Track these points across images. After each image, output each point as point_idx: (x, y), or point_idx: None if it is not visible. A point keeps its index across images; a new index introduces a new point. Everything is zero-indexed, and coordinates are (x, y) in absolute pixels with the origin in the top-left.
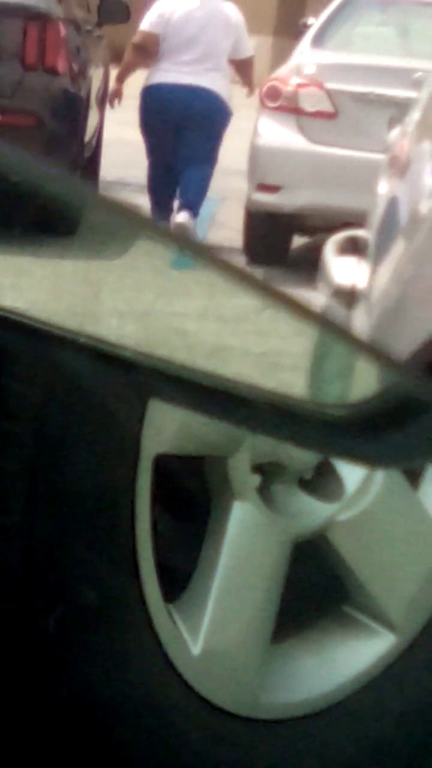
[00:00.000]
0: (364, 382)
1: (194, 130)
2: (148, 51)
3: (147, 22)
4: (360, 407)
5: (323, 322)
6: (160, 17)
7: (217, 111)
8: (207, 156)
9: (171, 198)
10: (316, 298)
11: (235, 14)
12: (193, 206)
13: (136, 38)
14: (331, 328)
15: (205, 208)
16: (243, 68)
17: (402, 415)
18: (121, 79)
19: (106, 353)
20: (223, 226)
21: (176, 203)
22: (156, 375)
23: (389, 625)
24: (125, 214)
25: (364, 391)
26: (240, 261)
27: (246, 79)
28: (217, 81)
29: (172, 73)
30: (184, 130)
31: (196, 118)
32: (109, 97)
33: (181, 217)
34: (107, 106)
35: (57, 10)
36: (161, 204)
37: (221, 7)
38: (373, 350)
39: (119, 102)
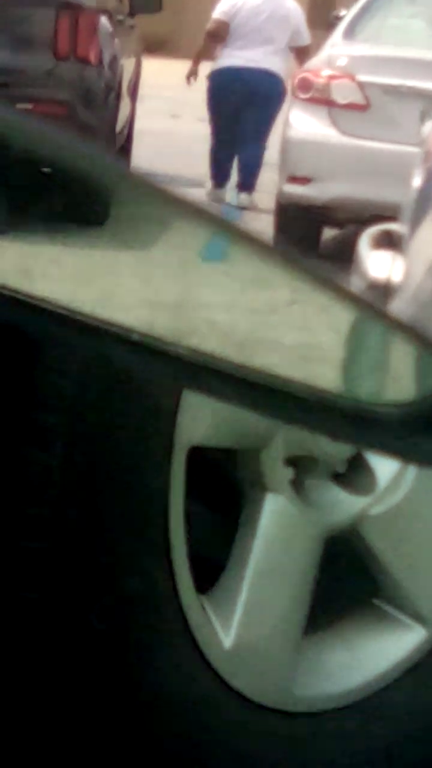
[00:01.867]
0: (415, 380)
1: (255, 108)
2: (220, 36)
3: (219, 12)
4: (414, 406)
5: (373, 309)
6: (231, 8)
7: (276, 91)
8: (264, 132)
9: (229, 166)
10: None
11: (294, 8)
12: (249, 184)
13: (210, 25)
14: (378, 315)
15: (235, 199)
16: (301, 55)
17: None
18: (196, 61)
19: (139, 343)
20: (253, 218)
21: (235, 178)
22: (190, 366)
23: (420, 619)
24: (160, 194)
25: (417, 391)
26: None
27: (302, 64)
28: (277, 64)
29: (238, 57)
30: (246, 109)
31: (257, 97)
32: (186, 76)
33: (242, 197)
34: (138, 97)
35: (90, 0)
36: (221, 171)
37: (283, 1)
38: (419, 335)
39: (195, 80)
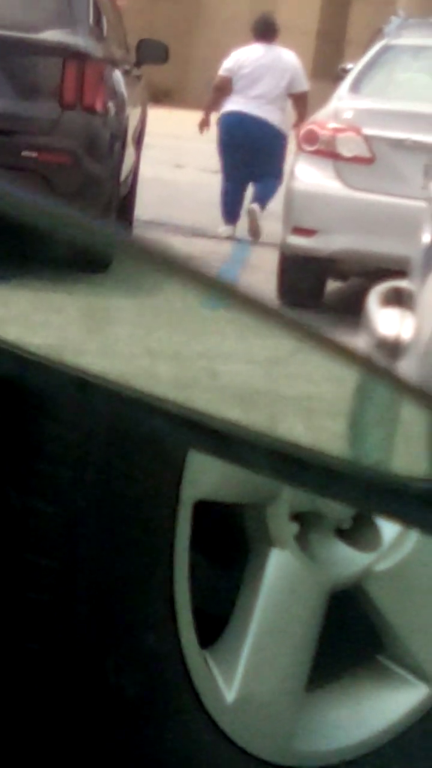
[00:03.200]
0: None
1: (259, 151)
2: (225, 90)
3: (224, 69)
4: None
5: (376, 368)
6: (234, 63)
7: (274, 139)
8: (274, 171)
9: (239, 205)
10: (354, 343)
11: (291, 58)
12: (262, 201)
13: (216, 81)
14: (381, 373)
15: (238, 251)
16: (298, 101)
17: None
18: (207, 112)
19: (141, 402)
20: (256, 269)
21: (248, 204)
22: (194, 426)
23: (423, 676)
24: (156, 256)
25: None
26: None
27: (300, 110)
28: (274, 113)
29: (241, 104)
30: (252, 151)
31: (258, 142)
32: (198, 125)
33: (252, 205)
34: (142, 146)
35: (96, 50)
36: (231, 209)
37: (281, 53)
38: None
39: (208, 129)
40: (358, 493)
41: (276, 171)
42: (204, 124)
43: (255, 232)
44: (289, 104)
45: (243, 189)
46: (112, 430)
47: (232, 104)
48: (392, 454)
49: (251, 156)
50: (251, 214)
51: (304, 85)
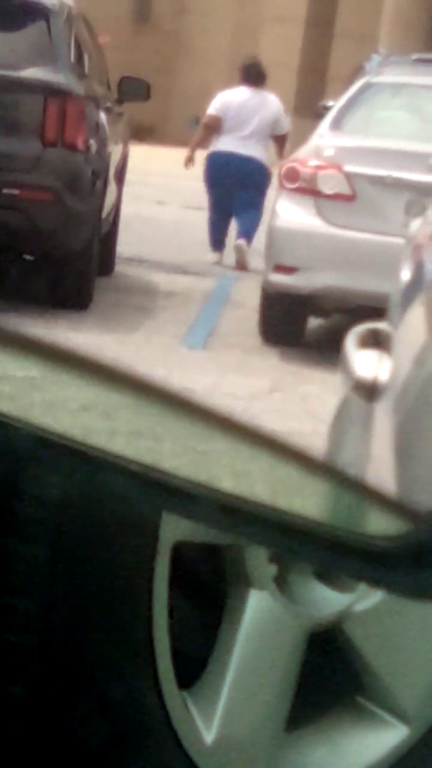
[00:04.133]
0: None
1: (245, 186)
2: (215, 128)
3: (213, 108)
4: (406, 539)
5: (333, 473)
6: (222, 104)
7: (261, 174)
8: (256, 204)
9: (225, 234)
10: (332, 380)
11: (275, 103)
12: (248, 235)
13: (205, 119)
14: (340, 479)
15: (221, 287)
16: (279, 141)
17: None
18: (192, 149)
19: (116, 466)
20: (238, 305)
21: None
22: (167, 489)
23: (403, 717)
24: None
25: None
26: (255, 341)
27: (279, 149)
28: (260, 151)
29: (229, 144)
30: (237, 187)
31: (245, 178)
32: (184, 162)
33: (239, 242)
34: (124, 183)
35: (78, 87)
36: (217, 239)
37: (266, 97)
38: (388, 500)
39: (193, 165)
40: (321, 552)
41: (258, 204)
42: (189, 161)
43: (242, 266)
44: (270, 143)
45: (228, 220)
46: (89, 483)
47: (220, 144)
48: (356, 514)
49: (237, 190)
50: (238, 251)
51: (285, 128)
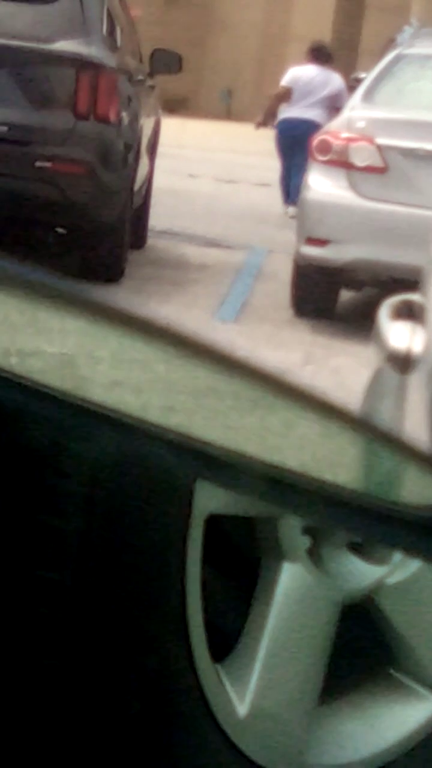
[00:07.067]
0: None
1: (305, 146)
2: (284, 97)
3: (285, 80)
4: None
5: (371, 440)
6: (292, 78)
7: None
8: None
9: (290, 184)
10: (365, 353)
11: (338, 80)
12: (295, 202)
13: (278, 90)
14: (378, 436)
15: (253, 260)
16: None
17: None
18: (266, 115)
19: (151, 435)
20: (269, 279)
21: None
22: (203, 459)
23: None
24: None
25: None
26: (287, 314)
27: None
28: (322, 117)
29: (296, 112)
30: (298, 148)
31: (306, 138)
32: (256, 123)
33: (291, 211)
34: (156, 156)
35: (110, 60)
36: (286, 187)
37: (331, 74)
38: (426, 469)
39: (264, 127)
40: (360, 520)
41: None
42: (260, 124)
43: None
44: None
45: (292, 173)
46: (122, 453)
47: (289, 112)
48: (395, 483)
49: (300, 153)
50: (290, 213)
51: (345, 102)
